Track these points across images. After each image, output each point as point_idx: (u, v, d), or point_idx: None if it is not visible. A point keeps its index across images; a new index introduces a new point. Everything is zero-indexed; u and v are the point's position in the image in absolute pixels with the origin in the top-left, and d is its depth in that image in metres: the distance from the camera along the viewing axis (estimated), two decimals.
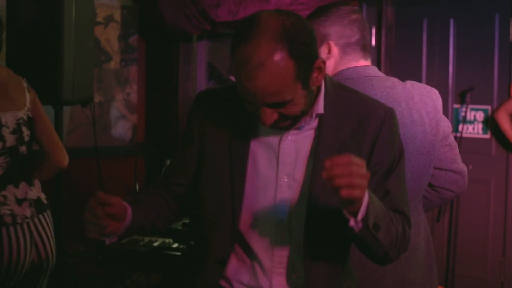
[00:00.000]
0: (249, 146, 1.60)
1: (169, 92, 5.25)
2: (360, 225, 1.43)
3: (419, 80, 4.61)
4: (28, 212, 2.47)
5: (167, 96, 5.27)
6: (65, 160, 2.71)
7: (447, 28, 4.56)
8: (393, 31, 4.69)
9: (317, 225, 1.58)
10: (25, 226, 2.46)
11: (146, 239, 3.53)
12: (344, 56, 2.03)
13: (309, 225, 1.57)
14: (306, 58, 1.46)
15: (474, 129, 4.51)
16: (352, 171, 1.34)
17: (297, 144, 1.59)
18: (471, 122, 4.52)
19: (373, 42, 4.67)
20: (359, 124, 1.59)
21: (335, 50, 2.03)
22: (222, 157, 1.61)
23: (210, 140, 1.64)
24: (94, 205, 1.47)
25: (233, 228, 1.60)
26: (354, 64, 2.03)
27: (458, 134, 4.38)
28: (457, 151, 2.13)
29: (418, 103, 1.99)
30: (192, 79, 5.30)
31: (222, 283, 1.66)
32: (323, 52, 2.03)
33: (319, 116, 1.59)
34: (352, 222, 1.43)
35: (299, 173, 1.59)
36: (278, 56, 1.41)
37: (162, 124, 5.31)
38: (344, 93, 1.64)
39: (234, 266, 1.65)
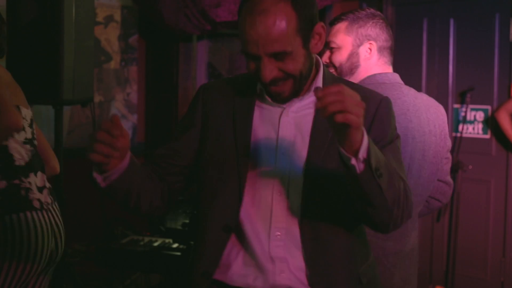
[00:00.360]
0: (251, 123, 1.65)
1: (169, 92, 5.25)
2: (362, 166, 1.42)
3: (419, 80, 4.62)
4: (49, 199, 2.52)
5: (167, 96, 5.27)
6: (58, 166, 2.78)
7: (447, 28, 4.56)
8: (393, 31, 4.68)
9: (315, 196, 1.60)
10: (49, 213, 2.50)
11: (146, 239, 3.53)
12: (380, 57, 2.13)
13: (307, 196, 1.60)
14: (307, 17, 1.55)
15: (474, 129, 4.51)
16: (345, 97, 1.35)
17: (296, 120, 1.64)
18: (471, 122, 4.52)
19: None
20: None
21: (375, 50, 2.12)
22: (227, 134, 1.66)
23: (213, 120, 1.69)
24: (110, 125, 1.45)
25: (240, 196, 1.63)
26: (387, 68, 2.14)
27: (458, 134, 4.38)
28: (450, 164, 2.25)
29: (433, 115, 2.11)
30: (192, 79, 5.30)
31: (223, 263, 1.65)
32: (363, 49, 2.12)
33: None
34: (353, 161, 1.41)
35: (298, 148, 1.62)
36: (281, 4, 1.51)
37: (162, 124, 5.31)
38: (342, 81, 1.74)
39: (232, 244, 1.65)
